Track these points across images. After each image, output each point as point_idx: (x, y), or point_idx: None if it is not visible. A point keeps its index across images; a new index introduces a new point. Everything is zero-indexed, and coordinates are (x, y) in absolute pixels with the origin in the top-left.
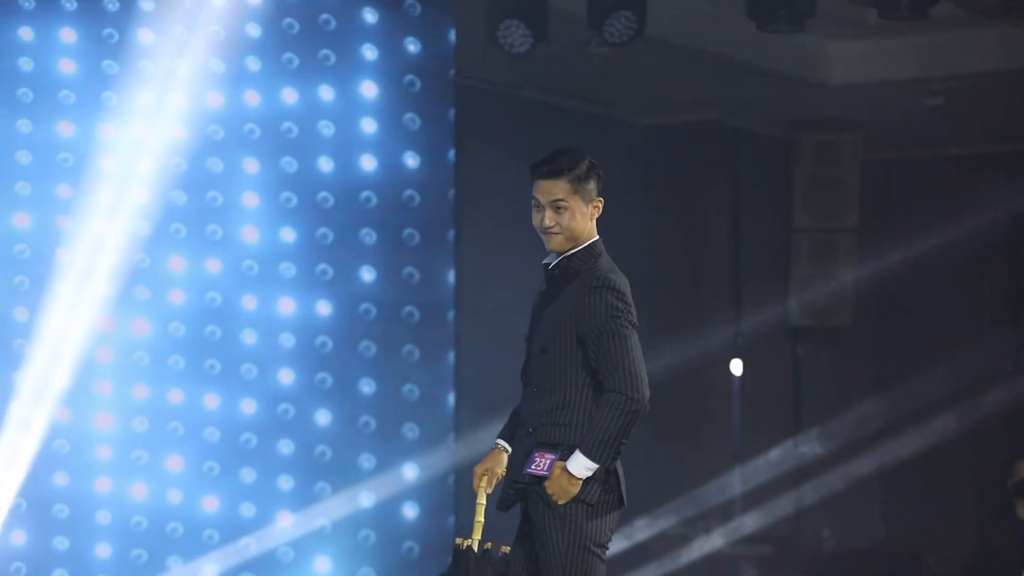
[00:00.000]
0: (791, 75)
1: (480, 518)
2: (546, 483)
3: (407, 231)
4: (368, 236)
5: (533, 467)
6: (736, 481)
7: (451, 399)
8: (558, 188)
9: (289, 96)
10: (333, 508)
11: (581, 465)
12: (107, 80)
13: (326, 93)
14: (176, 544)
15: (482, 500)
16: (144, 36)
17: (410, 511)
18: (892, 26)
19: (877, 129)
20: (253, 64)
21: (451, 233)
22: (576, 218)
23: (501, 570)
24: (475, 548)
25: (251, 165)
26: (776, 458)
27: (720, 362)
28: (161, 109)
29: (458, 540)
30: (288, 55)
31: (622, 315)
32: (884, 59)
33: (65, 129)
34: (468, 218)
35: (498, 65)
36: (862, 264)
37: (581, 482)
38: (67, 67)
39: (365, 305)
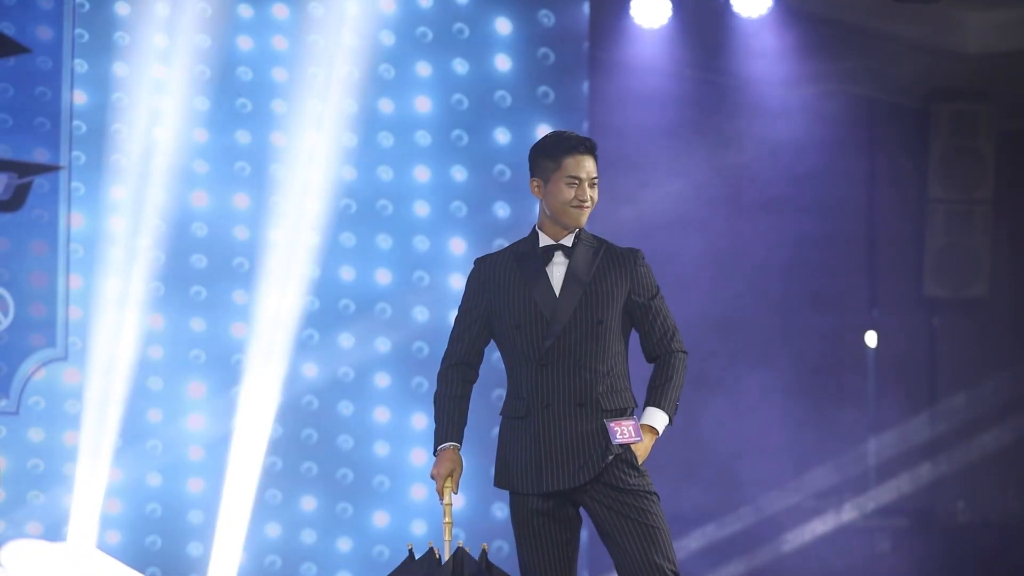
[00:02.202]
0: (928, 45)
1: (449, 519)
2: (638, 445)
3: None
4: (502, 209)
5: (619, 437)
6: (870, 453)
7: None
8: (593, 165)
9: (423, 70)
10: None
11: (662, 423)
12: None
13: (460, 67)
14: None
15: (449, 501)
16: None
17: None
18: None
19: (1015, 99)
20: (387, 38)
21: None
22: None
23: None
24: (447, 548)
25: (385, 139)
26: (911, 429)
27: (855, 334)
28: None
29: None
30: (422, 29)
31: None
32: (1022, 28)
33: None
34: (601, 192)
35: (632, 37)
36: (998, 235)
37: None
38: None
39: None
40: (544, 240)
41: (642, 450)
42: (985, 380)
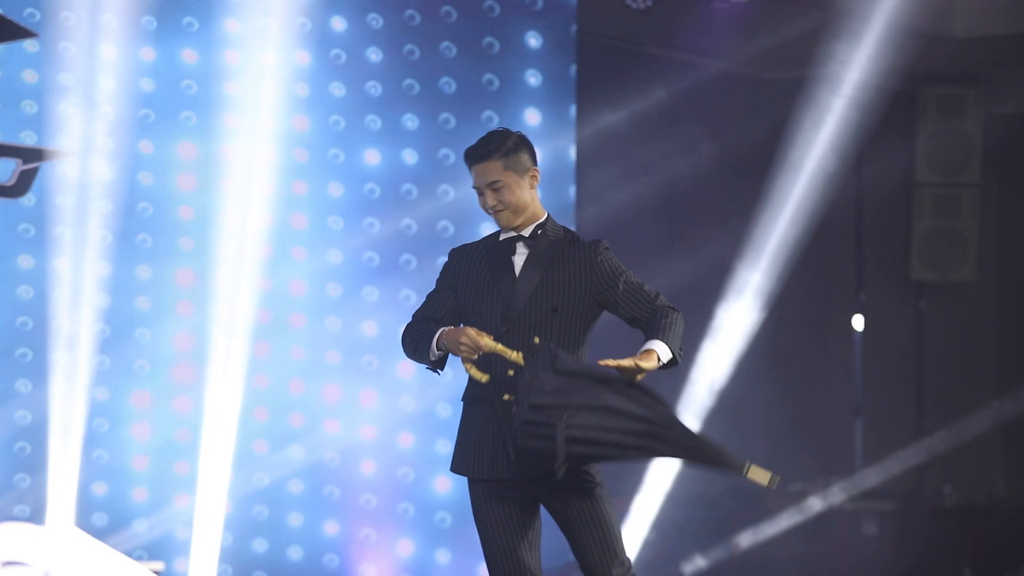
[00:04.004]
0: (915, 29)
1: (499, 346)
2: (628, 361)
3: None
4: None
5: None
6: (857, 436)
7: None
8: (490, 169)
9: (412, 53)
10: None
11: (664, 350)
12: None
13: (448, 50)
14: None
15: (489, 339)
16: None
17: None
18: None
19: (1001, 83)
20: (375, 22)
21: (572, 189)
22: (515, 192)
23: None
24: (515, 355)
25: (373, 122)
26: (898, 413)
27: (842, 317)
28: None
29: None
30: (410, 12)
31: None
32: (1009, 12)
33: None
34: (588, 174)
35: (620, 20)
36: (985, 219)
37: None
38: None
39: None
40: (505, 233)
41: (634, 362)
42: (972, 363)
